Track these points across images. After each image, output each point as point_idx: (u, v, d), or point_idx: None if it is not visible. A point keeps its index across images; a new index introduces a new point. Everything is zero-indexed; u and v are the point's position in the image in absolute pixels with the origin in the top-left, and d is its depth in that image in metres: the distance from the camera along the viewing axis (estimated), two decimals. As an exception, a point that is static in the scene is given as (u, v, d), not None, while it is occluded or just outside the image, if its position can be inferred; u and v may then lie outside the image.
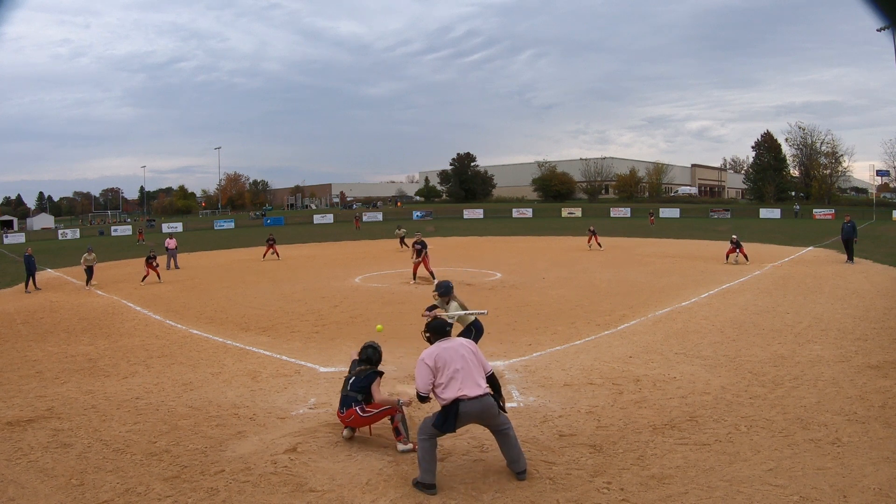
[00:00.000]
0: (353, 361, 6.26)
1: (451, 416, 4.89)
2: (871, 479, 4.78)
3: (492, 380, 5.20)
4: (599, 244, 27.80)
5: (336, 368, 8.59)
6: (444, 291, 7.48)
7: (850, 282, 15.71)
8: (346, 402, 5.93)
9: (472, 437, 5.84)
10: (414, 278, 17.68)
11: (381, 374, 6.08)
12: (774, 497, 4.53)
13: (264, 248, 28.34)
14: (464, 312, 7.34)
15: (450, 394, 4.91)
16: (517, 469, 4.97)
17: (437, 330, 5.28)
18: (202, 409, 6.96)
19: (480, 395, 4.92)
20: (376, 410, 5.81)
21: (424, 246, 17.92)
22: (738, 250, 20.95)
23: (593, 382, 7.62)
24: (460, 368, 4.95)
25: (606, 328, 10.87)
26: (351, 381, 6.01)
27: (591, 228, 29.24)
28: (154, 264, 20.34)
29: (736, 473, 4.95)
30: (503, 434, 5.02)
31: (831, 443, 5.51)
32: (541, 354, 9.13)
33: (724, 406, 6.60)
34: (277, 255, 27.46)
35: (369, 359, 6.12)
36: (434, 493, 4.75)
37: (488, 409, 4.94)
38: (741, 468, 5.05)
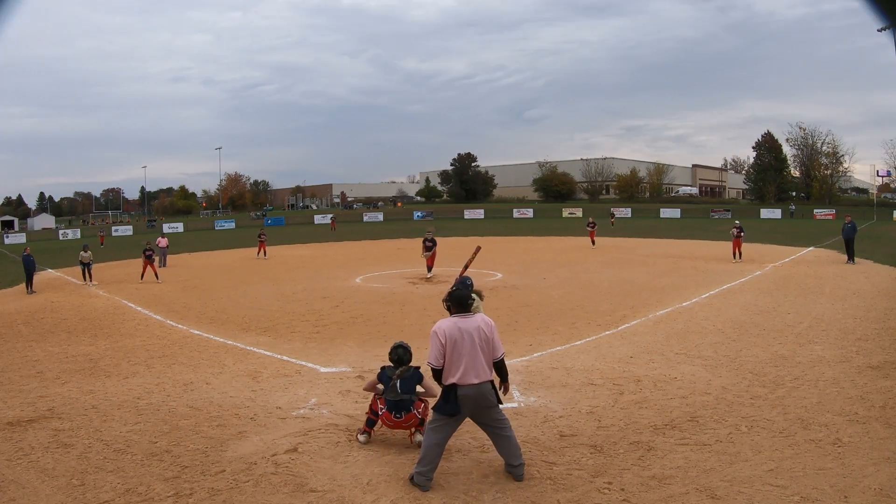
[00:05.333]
0: (383, 368, 6.08)
1: (451, 398, 4.87)
2: (872, 479, 4.77)
3: (500, 365, 5.08)
4: (593, 241, 28.80)
5: (337, 369, 8.59)
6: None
7: (850, 282, 15.69)
8: (402, 406, 5.74)
9: (473, 438, 5.83)
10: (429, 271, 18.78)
11: (419, 368, 5.92)
12: (775, 497, 4.53)
13: (270, 249, 28.68)
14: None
15: (450, 377, 4.89)
16: (519, 472, 4.94)
17: (458, 301, 5.09)
18: (203, 410, 6.96)
19: (478, 384, 4.87)
20: (421, 407, 5.80)
21: (434, 244, 19.05)
22: (741, 236, 21.52)
23: (594, 383, 7.62)
24: (467, 354, 4.85)
25: (607, 328, 10.87)
26: (399, 385, 5.80)
27: (591, 221, 30.29)
28: (152, 259, 20.48)
29: (737, 474, 4.95)
30: (500, 437, 4.97)
31: (832, 443, 5.51)
32: (541, 355, 9.13)
33: (725, 406, 6.60)
34: (265, 253, 28.03)
35: (400, 359, 5.96)
36: (428, 488, 4.77)
37: (485, 396, 4.88)
38: (742, 468, 5.05)
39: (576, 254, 25.96)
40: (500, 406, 5.06)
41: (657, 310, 12.48)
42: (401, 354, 5.99)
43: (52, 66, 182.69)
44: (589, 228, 29.65)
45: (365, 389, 6.14)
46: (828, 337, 9.71)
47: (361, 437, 5.91)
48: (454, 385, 4.87)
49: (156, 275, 20.35)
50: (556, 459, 5.35)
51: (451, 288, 6.83)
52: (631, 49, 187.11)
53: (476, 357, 4.89)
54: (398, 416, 5.75)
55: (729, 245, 22.41)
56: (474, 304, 7.41)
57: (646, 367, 8.28)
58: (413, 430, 5.80)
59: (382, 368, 6.07)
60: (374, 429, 5.99)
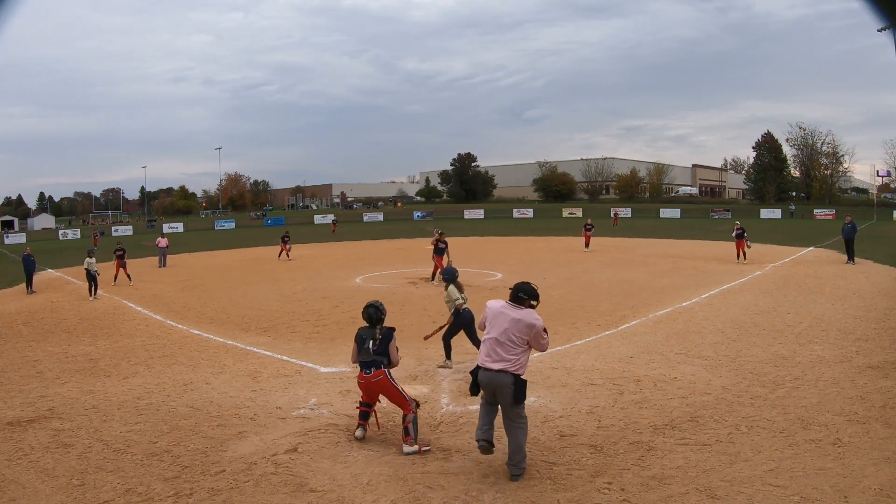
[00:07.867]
0: (360, 330, 6.05)
1: (474, 379, 5.16)
2: (872, 479, 4.78)
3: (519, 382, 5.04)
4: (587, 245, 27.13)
5: (337, 369, 8.60)
6: (449, 277, 8.87)
7: (850, 282, 15.69)
8: (373, 364, 5.77)
9: (473, 438, 5.83)
10: (433, 278, 17.65)
11: (393, 329, 6.03)
12: (775, 497, 4.53)
13: (274, 248, 28.16)
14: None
15: (479, 356, 5.20)
16: (513, 472, 4.99)
17: (515, 290, 5.19)
18: (203, 410, 6.97)
19: (495, 371, 4.99)
20: (400, 388, 5.81)
21: (445, 245, 18.03)
22: (744, 239, 21.07)
23: (594, 383, 7.63)
24: (494, 334, 5.07)
25: (607, 328, 10.87)
26: (373, 347, 5.82)
27: (588, 223, 28.29)
28: (123, 260, 19.98)
29: (737, 474, 4.95)
30: (508, 428, 5.08)
31: (832, 443, 5.51)
32: (541, 355, 9.12)
33: (725, 406, 6.60)
34: (288, 255, 27.14)
35: (371, 318, 5.95)
36: (484, 446, 5.10)
37: (500, 386, 5.00)
38: (742, 468, 5.05)
39: (576, 254, 25.94)
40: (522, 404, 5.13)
41: (657, 310, 12.48)
42: (371, 313, 5.99)
43: (52, 66, 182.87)
44: (586, 230, 27.47)
45: (352, 361, 6.12)
46: (828, 337, 9.71)
47: (358, 432, 5.95)
48: (478, 366, 5.15)
49: (128, 276, 19.77)
50: (556, 459, 5.35)
51: (440, 274, 7.13)
52: (631, 49, 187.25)
53: (501, 343, 5.01)
54: (367, 371, 5.82)
55: (730, 245, 22.43)
56: (447, 291, 8.44)
57: (646, 367, 8.28)
58: (402, 440, 5.72)
59: (358, 330, 6.08)
60: (376, 429, 6.01)
